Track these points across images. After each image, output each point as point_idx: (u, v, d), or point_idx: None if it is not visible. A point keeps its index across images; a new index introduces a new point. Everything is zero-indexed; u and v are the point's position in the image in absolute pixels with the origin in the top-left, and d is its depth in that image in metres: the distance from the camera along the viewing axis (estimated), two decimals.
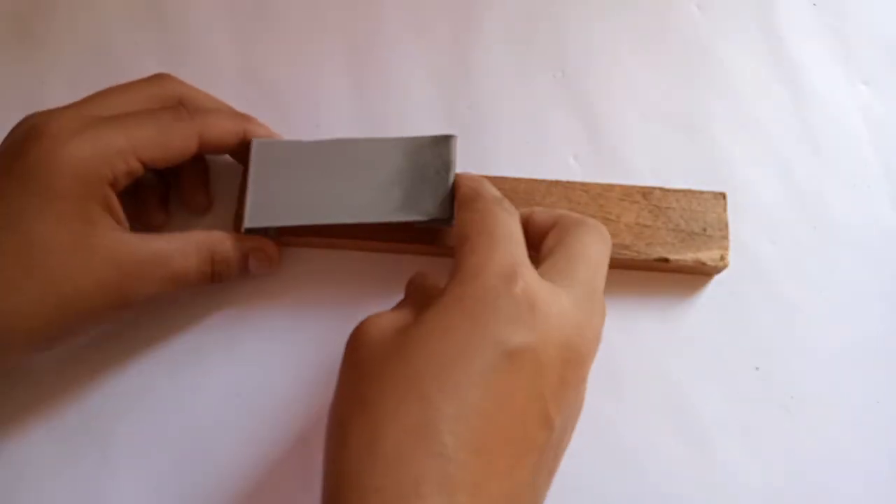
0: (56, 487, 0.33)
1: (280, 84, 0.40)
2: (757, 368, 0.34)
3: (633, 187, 0.35)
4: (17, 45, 0.41)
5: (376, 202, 0.32)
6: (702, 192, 0.35)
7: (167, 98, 0.34)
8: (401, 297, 0.31)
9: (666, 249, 0.34)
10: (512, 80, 0.40)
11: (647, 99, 0.40)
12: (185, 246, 0.31)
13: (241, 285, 0.36)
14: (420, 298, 0.29)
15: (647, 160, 0.38)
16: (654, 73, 0.41)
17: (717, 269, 0.35)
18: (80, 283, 0.29)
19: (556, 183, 0.35)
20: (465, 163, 0.36)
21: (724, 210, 0.35)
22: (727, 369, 0.34)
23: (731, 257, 0.34)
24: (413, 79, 0.40)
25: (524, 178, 0.35)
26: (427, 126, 0.39)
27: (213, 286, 0.34)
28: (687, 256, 0.34)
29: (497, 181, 0.35)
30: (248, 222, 0.33)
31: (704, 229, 0.34)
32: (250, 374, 0.34)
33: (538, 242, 0.30)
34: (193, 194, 0.36)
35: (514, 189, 0.35)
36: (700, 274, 0.35)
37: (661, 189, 0.35)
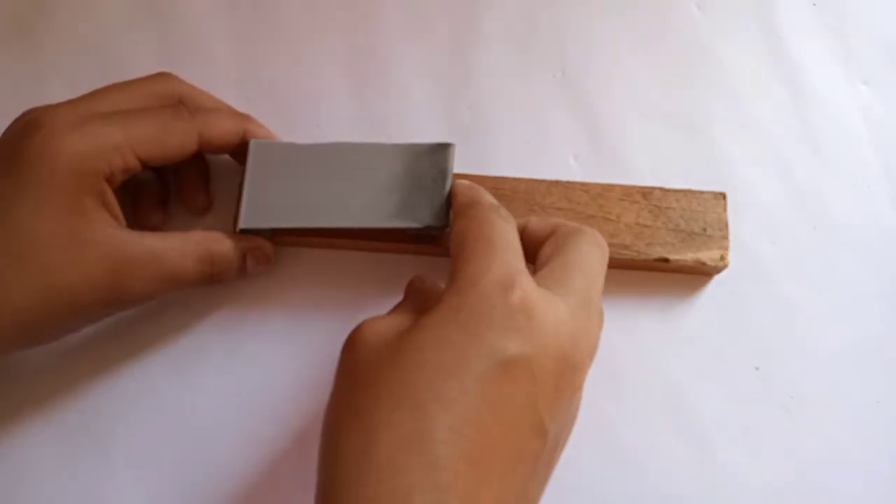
0: (56, 488, 0.33)
1: (280, 84, 0.40)
2: (757, 368, 0.34)
3: (633, 187, 0.35)
4: (17, 45, 0.41)
5: (372, 208, 0.32)
6: (702, 192, 0.35)
7: (167, 96, 0.34)
8: (400, 297, 0.31)
9: (666, 249, 0.34)
10: (512, 80, 0.40)
11: (647, 99, 0.40)
12: (182, 245, 0.31)
13: (240, 285, 0.36)
14: (418, 302, 0.29)
15: (647, 160, 0.38)
16: (654, 73, 0.41)
17: (717, 269, 0.35)
18: (71, 277, 0.29)
19: (556, 183, 0.35)
20: (466, 163, 0.36)
21: (724, 210, 0.35)
22: (727, 369, 0.34)
23: (731, 257, 0.34)
24: (413, 79, 0.40)
25: (524, 178, 0.35)
26: (427, 126, 0.39)
27: (212, 286, 0.34)
28: (687, 256, 0.34)
29: (497, 181, 0.35)
30: (244, 223, 0.33)
31: (704, 229, 0.34)
32: (250, 374, 0.34)
33: (535, 251, 0.30)
34: (193, 194, 0.36)
35: (514, 189, 0.35)
36: (700, 274, 0.35)
37: (661, 189, 0.35)
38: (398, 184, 0.32)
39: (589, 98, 0.40)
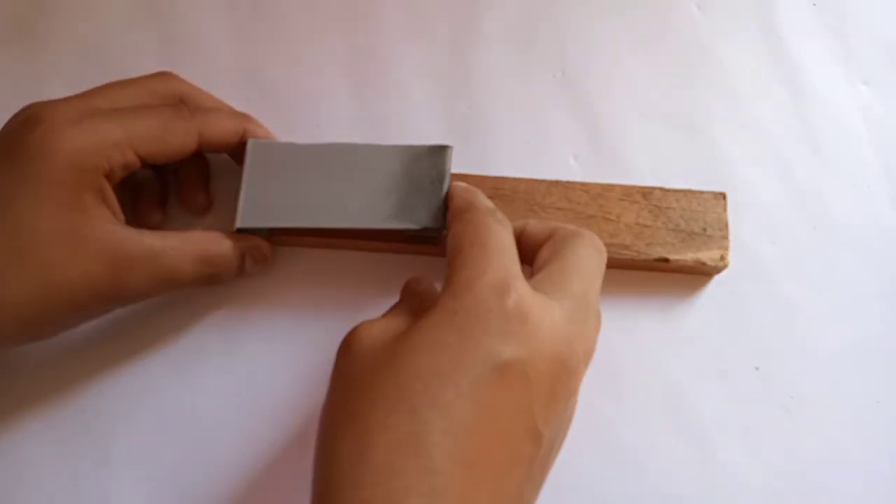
0: (56, 487, 0.33)
1: (280, 84, 0.40)
2: (757, 368, 0.34)
3: (633, 187, 0.35)
4: (17, 45, 0.41)
5: (369, 208, 0.32)
6: (702, 192, 0.35)
7: (169, 95, 0.34)
8: (398, 297, 0.31)
9: (666, 249, 0.34)
10: (512, 80, 0.40)
11: (647, 99, 0.40)
12: (181, 245, 0.31)
13: (240, 285, 0.35)
14: (414, 304, 0.29)
15: (647, 160, 0.38)
16: (654, 73, 0.41)
17: (717, 269, 0.35)
18: (70, 272, 0.28)
19: (556, 183, 0.35)
20: (466, 163, 0.36)
21: (724, 210, 0.35)
22: (727, 369, 0.34)
23: (731, 257, 0.34)
24: (413, 79, 0.40)
25: (524, 178, 0.35)
26: (427, 126, 0.39)
27: (211, 286, 0.34)
28: (687, 256, 0.34)
29: (497, 181, 0.35)
30: (241, 222, 0.33)
31: (704, 229, 0.34)
32: (250, 374, 0.34)
33: (533, 254, 0.30)
34: (193, 194, 0.36)
35: (514, 189, 0.35)
36: (700, 274, 0.35)
37: (661, 189, 0.35)
38: (396, 185, 0.32)
39: (589, 98, 0.40)
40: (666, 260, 0.34)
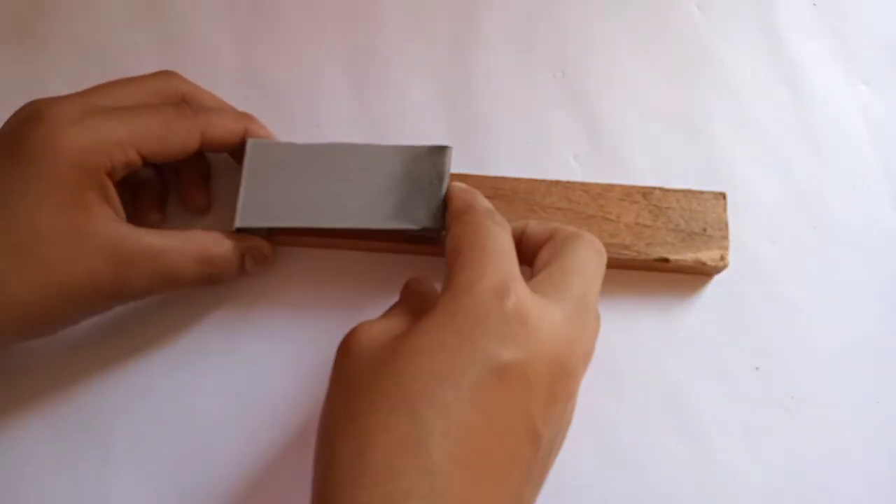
0: (56, 486, 0.33)
1: (280, 84, 0.40)
2: (757, 368, 0.34)
3: (633, 187, 0.35)
4: (17, 45, 0.41)
5: (369, 208, 0.32)
6: (702, 192, 0.35)
7: (171, 94, 0.34)
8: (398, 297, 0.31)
9: (666, 249, 0.34)
10: (512, 80, 0.40)
11: (647, 99, 0.40)
12: (181, 244, 0.31)
13: (240, 285, 0.35)
14: (414, 304, 0.29)
15: (647, 160, 0.38)
16: (654, 73, 0.41)
17: (717, 269, 0.35)
18: (71, 269, 0.28)
19: (556, 183, 0.35)
20: (466, 163, 0.36)
21: (724, 210, 0.35)
22: (727, 369, 0.34)
23: (731, 257, 0.34)
24: (413, 79, 0.40)
25: (524, 178, 0.35)
26: (427, 126, 0.39)
27: (211, 286, 0.34)
28: (687, 256, 0.34)
29: (497, 181, 0.35)
30: (240, 222, 0.33)
31: (704, 229, 0.34)
32: (250, 374, 0.34)
33: (533, 255, 0.30)
34: (193, 193, 0.36)
35: (514, 189, 0.35)
36: (700, 274, 0.35)
37: (661, 189, 0.35)
38: (396, 185, 0.32)
39: (589, 98, 0.40)
40: (666, 260, 0.34)
